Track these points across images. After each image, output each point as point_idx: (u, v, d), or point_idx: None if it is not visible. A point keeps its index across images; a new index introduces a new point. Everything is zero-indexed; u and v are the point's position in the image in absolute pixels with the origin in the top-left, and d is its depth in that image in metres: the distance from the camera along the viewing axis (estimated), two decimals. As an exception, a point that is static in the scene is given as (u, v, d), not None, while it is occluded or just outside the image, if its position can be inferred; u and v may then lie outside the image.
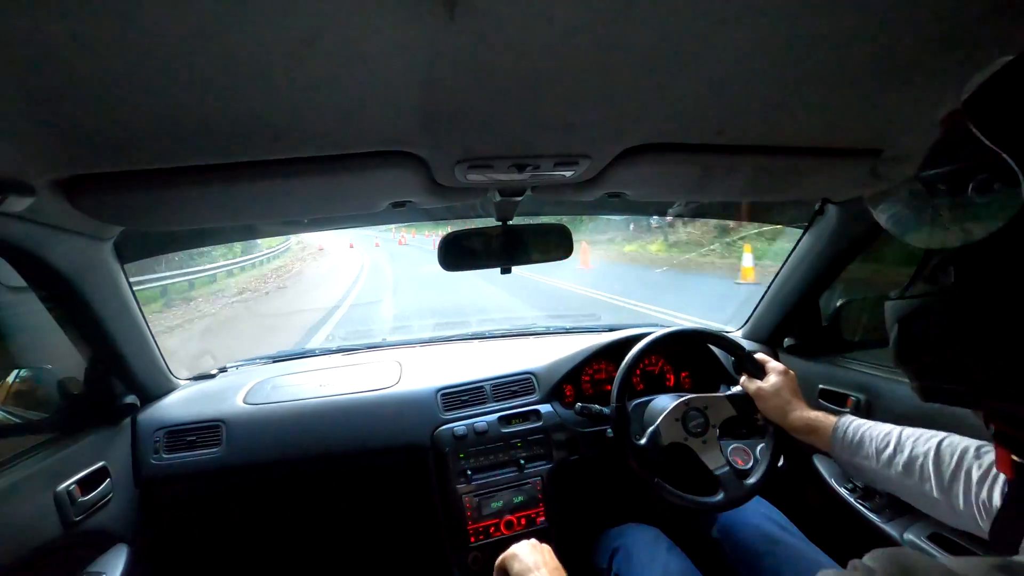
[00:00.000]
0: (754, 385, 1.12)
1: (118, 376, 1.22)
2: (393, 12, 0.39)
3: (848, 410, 1.29)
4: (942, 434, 0.78)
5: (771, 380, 1.10)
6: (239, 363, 1.66)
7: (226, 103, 0.52)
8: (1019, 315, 0.31)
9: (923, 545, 1.02)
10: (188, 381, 1.49)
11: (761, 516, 1.13)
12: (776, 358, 1.57)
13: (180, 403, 1.37)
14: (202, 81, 0.47)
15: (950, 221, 0.37)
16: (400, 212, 1.00)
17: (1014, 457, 0.38)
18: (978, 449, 0.72)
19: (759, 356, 1.18)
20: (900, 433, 0.83)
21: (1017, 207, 0.30)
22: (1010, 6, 0.43)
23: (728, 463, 1.13)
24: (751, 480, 1.12)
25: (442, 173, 0.80)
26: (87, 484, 1.04)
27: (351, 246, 19.95)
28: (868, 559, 0.34)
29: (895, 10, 0.44)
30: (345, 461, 1.36)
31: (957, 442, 0.76)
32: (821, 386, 1.39)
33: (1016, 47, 0.32)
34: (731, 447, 1.28)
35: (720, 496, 1.09)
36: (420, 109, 0.58)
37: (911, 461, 0.78)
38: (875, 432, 0.87)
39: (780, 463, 1.16)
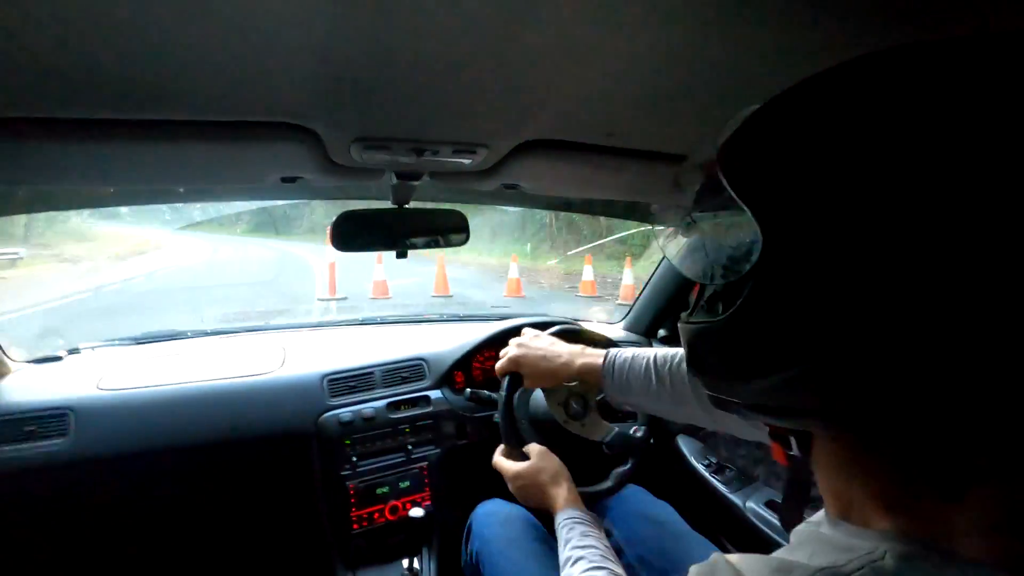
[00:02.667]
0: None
1: None
2: None
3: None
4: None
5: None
6: (95, 344, 1.49)
7: (96, 52, 0.46)
8: (770, 346, 0.35)
9: (760, 509, 1.17)
10: (27, 364, 1.30)
11: (645, 503, 1.20)
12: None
13: (16, 388, 1.20)
14: (67, 22, 0.42)
15: (714, 261, 0.42)
16: (290, 188, 0.96)
17: (787, 451, 0.44)
18: None
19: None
20: (654, 362, 0.84)
21: (758, 255, 0.34)
22: (854, 39, 0.49)
23: (614, 428, 1.12)
24: (640, 434, 1.11)
25: (337, 151, 0.77)
26: None
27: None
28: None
29: (763, 33, 0.49)
30: (219, 451, 1.26)
31: None
32: (687, 373, 1.54)
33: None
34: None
35: (628, 464, 1.13)
36: (316, 82, 0.56)
37: (672, 388, 0.81)
38: (636, 369, 0.86)
39: (650, 439, 1.26)
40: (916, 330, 0.29)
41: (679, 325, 0.47)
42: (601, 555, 0.79)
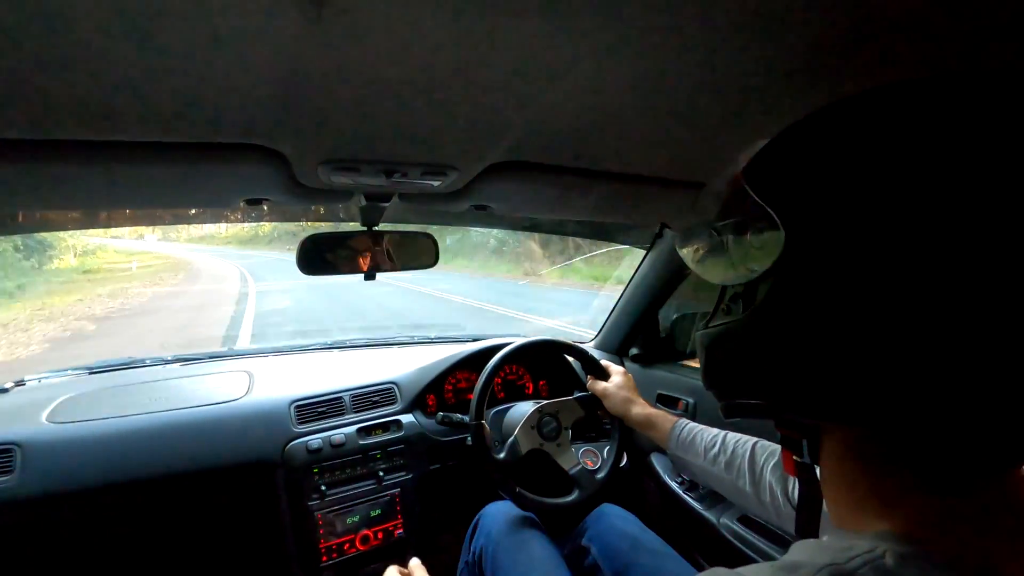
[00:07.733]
0: (599, 385, 1.23)
1: None
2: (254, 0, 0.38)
3: (680, 412, 1.46)
4: (757, 439, 0.91)
5: (614, 380, 1.22)
6: (42, 375, 1.41)
7: (48, 70, 0.45)
8: (792, 341, 0.38)
9: (734, 526, 1.18)
10: None
11: (623, 520, 1.22)
12: (623, 366, 1.73)
13: None
14: (16, 39, 0.40)
15: (736, 262, 0.45)
16: (256, 210, 0.94)
17: (795, 458, 0.45)
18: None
19: (603, 362, 1.28)
20: (725, 436, 0.96)
21: (782, 250, 0.38)
22: (807, 71, 0.53)
23: (580, 463, 1.21)
24: (600, 475, 1.21)
25: (305, 172, 0.76)
26: None
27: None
28: None
29: (717, 61, 0.52)
30: (179, 483, 1.20)
31: (768, 445, 0.89)
32: (659, 391, 1.55)
33: (812, 106, 0.39)
34: (582, 450, 1.38)
35: (575, 494, 1.16)
36: (281, 103, 0.55)
37: (731, 460, 0.90)
38: (706, 434, 0.99)
39: (623, 462, 1.28)
40: (922, 323, 0.32)
41: (697, 335, 0.49)
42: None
